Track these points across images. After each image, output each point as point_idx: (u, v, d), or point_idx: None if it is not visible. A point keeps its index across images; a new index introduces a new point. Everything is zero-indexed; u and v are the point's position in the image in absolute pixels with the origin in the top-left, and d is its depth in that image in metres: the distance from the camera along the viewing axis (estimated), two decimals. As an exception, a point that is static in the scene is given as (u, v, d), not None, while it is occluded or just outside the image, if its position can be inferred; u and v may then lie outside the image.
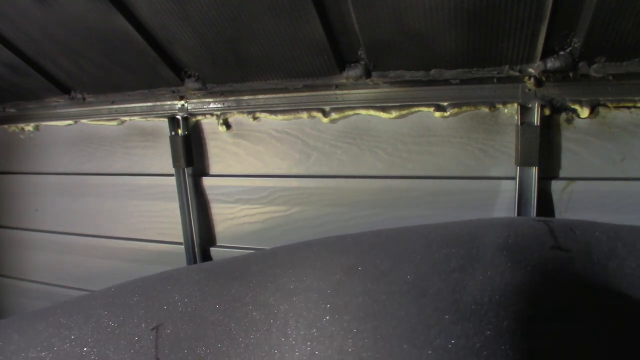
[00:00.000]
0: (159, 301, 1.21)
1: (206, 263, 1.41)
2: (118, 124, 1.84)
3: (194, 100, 1.66)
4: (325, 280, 1.06)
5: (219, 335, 1.11)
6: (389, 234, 1.18)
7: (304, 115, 1.52)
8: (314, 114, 1.51)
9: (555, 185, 1.32)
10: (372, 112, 1.44)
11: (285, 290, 1.10)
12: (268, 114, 1.57)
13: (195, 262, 1.80)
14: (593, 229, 1.07)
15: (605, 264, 0.99)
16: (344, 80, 1.38)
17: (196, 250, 1.79)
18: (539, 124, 1.26)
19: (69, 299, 1.40)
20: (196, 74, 1.54)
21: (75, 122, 1.91)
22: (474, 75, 1.25)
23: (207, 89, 1.56)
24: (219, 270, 1.27)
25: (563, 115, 1.28)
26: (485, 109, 1.33)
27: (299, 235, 1.65)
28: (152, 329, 1.15)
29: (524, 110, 1.28)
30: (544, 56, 1.16)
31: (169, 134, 1.71)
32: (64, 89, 1.79)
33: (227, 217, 1.76)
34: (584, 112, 1.24)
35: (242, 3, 1.19)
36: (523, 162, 1.29)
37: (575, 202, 1.32)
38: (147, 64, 1.50)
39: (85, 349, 1.16)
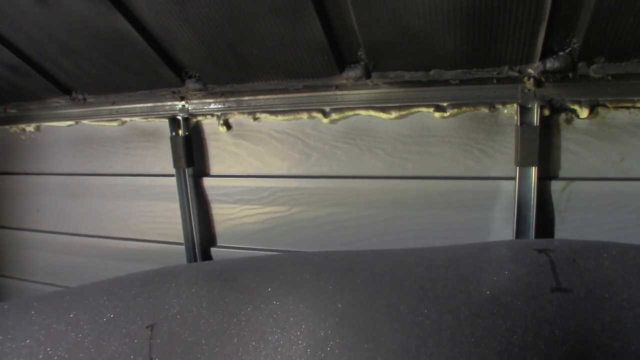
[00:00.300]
0: (156, 298, 1.21)
1: (206, 263, 1.42)
2: (119, 125, 1.84)
3: (195, 101, 1.66)
4: (316, 318, 1.05)
5: (211, 348, 1.11)
6: (383, 266, 1.14)
7: (304, 115, 1.53)
8: (314, 114, 1.51)
9: (555, 186, 1.33)
10: (372, 112, 1.44)
11: (277, 318, 1.10)
12: (268, 115, 1.58)
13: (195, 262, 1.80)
14: (598, 254, 1.01)
15: (612, 296, 0.93)
16: (344, 81, 1.38)
17: (197, 250, 1.79)
18: (538, 124, 1.26)
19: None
20: (197, 74, 1.54)
21: (76, 122, 1.92)
22: (474, 76, 1.25)
23: (207, 90, 1.57)
24: (218, 273, 1.27)
25: (562, 116, 1.28)
26: (484, 110, 1.33)
27: (299, 236, 1.66)
28: (147, 327, 1.15)
29: (524, 110, 1.28)
30: (544, 57, 1.16)
31: (169, 135, 1.71)
32: (65, 90, 1.80)
33: (227, 217, 1.77)
34: (584, 113, 1.24)
35: (242, 4, 1.20)
36: (523, 162, 1.29)
37: (575, 202, 1.32)
38: (148, 64, 1.50)
39: (80, 335, 1.16)
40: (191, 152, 1.71)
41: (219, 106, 1.64)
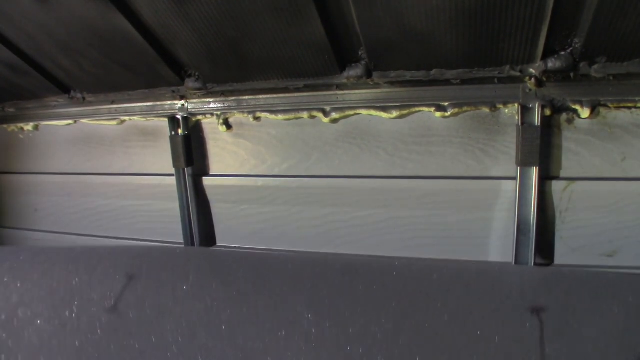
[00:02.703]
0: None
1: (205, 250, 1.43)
2: (118, 124, 1.83)
3: (194, 100, 1.65)
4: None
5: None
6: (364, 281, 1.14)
7: (305, 115, 1.52)
8: (315, 114, 1.51)
9: (556, 186, 1.33)
10: (372, 112, 1.44)
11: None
12: (269, 114, 1.57)
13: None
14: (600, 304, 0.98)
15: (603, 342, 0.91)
16: (344, 80, 1.38)
17: (196, 250, 1.79)
18: (539, 124, 1.26)
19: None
20: (196, 73, 1.54)
21: (75, 121, 1.91)
22: (475, 76, 1.25)
23: (207, 89, 1.56)
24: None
25: (564, 116, 1.28)
26: (486, 109, 1.33)
27: (299, 236, 1.66)
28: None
29: (525, 110, 1.28)
30: (545, 56, 1.16)
31: (169, 134, 1.71)
32: (64, 89, 1.79)
33: (227, 217, 1.76)
34: (585, 113, 1.24)
35: (242, 2, 1.19)
36: (524, 162, 1.29)
37: (576, 202, 1.32)
38: (147, 63, 1.50)
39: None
40: (191, 152, 1.71)
41: (219, 105, 1.63)
